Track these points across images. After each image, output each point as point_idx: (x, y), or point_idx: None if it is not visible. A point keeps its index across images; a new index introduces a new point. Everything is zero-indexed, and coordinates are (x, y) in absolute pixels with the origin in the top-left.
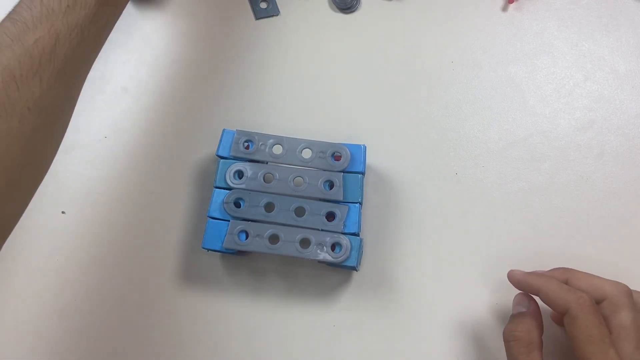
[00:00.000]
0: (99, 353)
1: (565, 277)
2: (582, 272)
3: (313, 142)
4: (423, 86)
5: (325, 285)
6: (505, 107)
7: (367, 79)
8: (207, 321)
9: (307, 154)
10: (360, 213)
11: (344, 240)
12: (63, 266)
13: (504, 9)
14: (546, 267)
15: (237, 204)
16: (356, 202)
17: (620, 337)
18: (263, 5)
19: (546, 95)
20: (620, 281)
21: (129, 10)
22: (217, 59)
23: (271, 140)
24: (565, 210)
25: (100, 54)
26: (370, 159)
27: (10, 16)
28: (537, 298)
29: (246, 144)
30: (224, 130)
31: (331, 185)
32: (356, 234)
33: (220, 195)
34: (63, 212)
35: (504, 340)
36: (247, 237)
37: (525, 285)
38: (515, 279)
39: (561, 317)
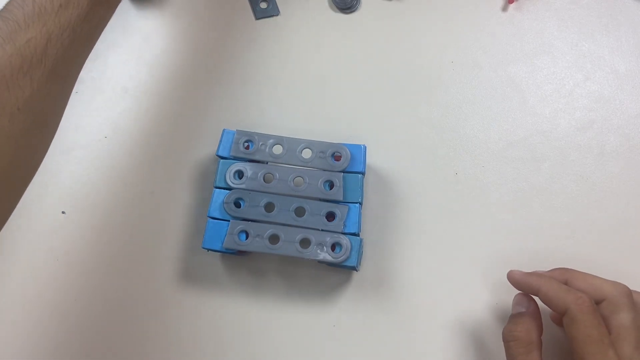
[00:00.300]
0: (99, 353)
1: (564, 277)
2: (581, 272)
3: (313, 142)
4: (423, 86)
5: (325, 285)
6: (505, 107)
7: (367, 79)
8: (207, 321)
9: (307, 154)
10: (360, 213)
11: (344, 240)
12: (63, 266)
13: (504, 9)
14: (546, 267)
15: (237, 204)
16: (356, 202)
17: (620, 338)
18: (263, 5)
19: (546, 95)
20: (620, 281)
21: (129, 10)
22: (217, 58)
23: (271, 140)
24: (565, 210)
25: (100, 54)
26: (370, 159)
27: (1, 14)
28: (536, 298)
29: (246, 144)
30: (224, 130)
31: (331, 185)
32: (356, 234)
33: (220, 195)
34: (63, 212)
35: (503, 340)
36: (247, 237)
37: (525, 285)
38: (514, 279)
39: (560, 317)
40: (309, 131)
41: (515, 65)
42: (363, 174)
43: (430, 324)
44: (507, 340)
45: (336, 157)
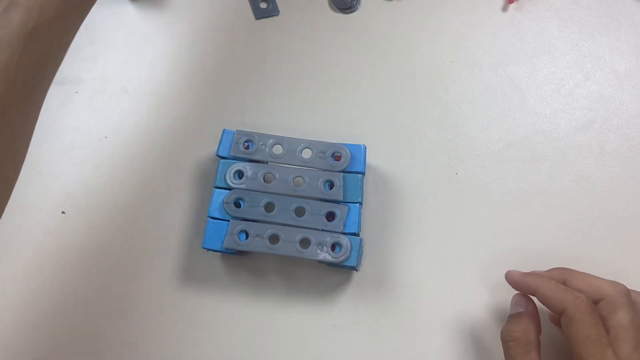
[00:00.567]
0: (99, 353)
1: (563, 277)
2: (579, 272)
3: (313, 142)
4: (423, 86)
5: (325, 285)
6: (505, 107)
7: (367, 79)
8: (207, 321)
9: (307, 154)
10: (360, 213)
11: (344, 240)
12: (63, 266)
13: (504, 9)
14: (546, 267)
15: (237, 204)
16: (356, 202)
17: (618, 337)
18: (263, 5)
19: (546, 95)
20: (619, 281)
21: (129, 10)
22: (217, 58)
23: (271, 140)
24: (565, 210)
25: (100, 53)
26: (370, 159)
27: None
28: (535, 298)
29: (246, 144)
30: (224, 130)
31: (331, 185)
32: (356, 234)
33: (220, 195)
34: (63, 212)
35: (501, 341)
36: (247, 237)
37: (523, 285)
38: (512, 279)
39: (559, 317)
40: (309, 131)
41: (515, 65)
42: (363, 174)
43: (430, 324)
44: (506, 340)
45: (336, 157)
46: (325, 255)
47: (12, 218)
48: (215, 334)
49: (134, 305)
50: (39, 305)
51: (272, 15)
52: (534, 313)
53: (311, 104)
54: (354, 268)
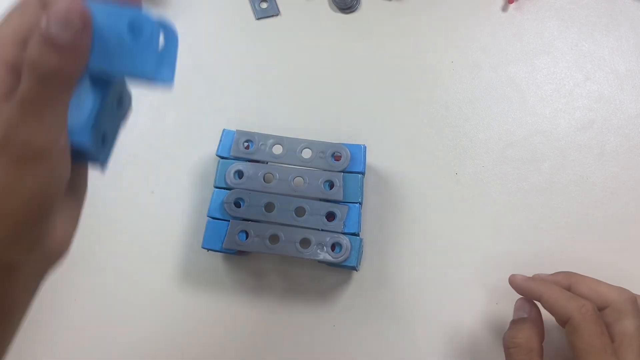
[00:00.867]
0: (98, 353)
1: (568, 282)
2: (585, 277)
3: (313, 142)
4: (423, 86)
5: (325, 285)
6: (505, 107)
7: (367, 79)
8: (207, 321)
9: (307, 154)
10: (360, 213)
11: (344, 240)
12: (63, 266)
13: (504, 9)
14: (546, 267)
15: (237, 204)
16: (356, 202)
17: (623, 345)
18: (263, 5)
19: (546, 95)
20: (620, 282)
21: None
22: (217, 58)
23: (271, 140)
24: (565, 210)
25: None
26: (370, 159)
27: None
28: (539, 303)
29: (246, 144)
30: (224, 130)
31: (331, 185)
32: (356, 234)
33: (220, 195)
34: None
35: (503, 347)
36: (247, 237)
37: (527, 290)
38: (516, 284)
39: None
40: (309, 131)
41: (515, 65)
42: (363, 174)
43: (429, 324)
44: (508, 347)
45: (336, 157)
46: (325, 255)
47: None
48: (215, 334)
49: (134, 304)
50: (38, 305)
51: (272, 15)
52: (538, 319)
53: (311, 104)
54: (354, 268)
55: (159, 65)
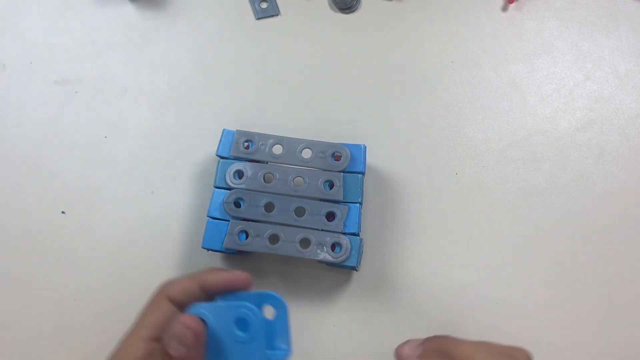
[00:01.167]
0: (98, 353)
1: (443, 348)
2: (463, 342)
3: (313, 142)
4: (423, 86)
5: (325, 285)
6: (505, 107)
7: (367, 79)
8: None
9: (307, 154)
10: (360, 213)
11: (344, 240)
12: (63, 266)
13: (504, 9)
14: (545, 267)
15: (237, 204)
16: (356, 202)
17: None
18: (263, 5)
19: (546, 95)
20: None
21: (129, 10)
22: (218, 58)
23: (271, 140)
24: (565, 210)
25: (100, 53)
26: (370, 159)
27: None
28: None
29: (246, 144)
30: (224, 130)
31: (331, 185)
32: (356, 234)
33: (220, 195)
34: (63, 212)
35: None
36: (247, 237)
37: None
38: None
39: None
40: (309, 131)
41: (515, 65)
42: (363, 174)
43: (429, 324)
44: None
45: (336, 157)
46: (325, 255)
47: (12, 218)
48: None
49: (134, 304)
50: (39, 305)
51: (272, 15)
52: None
53: (311, 104)
54: (354, 268)
55: (271, 346)
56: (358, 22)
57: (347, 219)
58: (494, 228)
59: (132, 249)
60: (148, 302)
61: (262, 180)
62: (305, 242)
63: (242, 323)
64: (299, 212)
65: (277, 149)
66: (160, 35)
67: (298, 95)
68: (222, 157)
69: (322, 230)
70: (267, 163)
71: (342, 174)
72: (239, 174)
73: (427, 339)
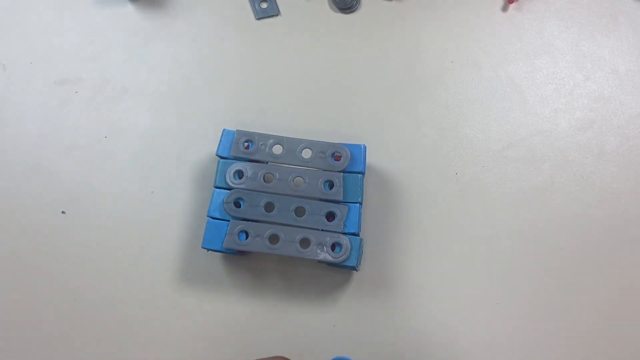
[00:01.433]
0: (98, 353)
1: None
2: None
3: (313, 142)
4: (423, 86)
5: (325, 285)
6: (505, 107)
7: (367, 79)
8: (207, 321)
9: (307, 154)
10: (360, 213)
11: (344, 240)
12: (63, 266)
13: (504, 9)
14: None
15: (237, 204)
16: (356, 202)
17: None
18: (263, 5)
19: (546, 95)
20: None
21: (129, 10)
22: (218, 58)
23: (271, 140)
24: (565, 210)
25: (100, 53)
26: (370, 159)
27: None
28: None
29: (246, 144)
30: (224, 130)
31: (331, 185)
32: (356, 234)
33: (220, 195)
34: (63, 212)
35: None
36: (247, 237)
37: None
38: None
39: None
40: (309, 131)
41: (515, 65)
42: (363, 174)
43: (429, 324)
44: None
45: (336, 157)
46: (325, 255)
47: (12, 218)
48: (215, 334)
49: (134, 305)
50: (39, 304)
51: (272, 15)
52: None
53: (311, 104)
54: (354, 268)
55: None
56: (358, 22)
57: (347, 219)
58: (494, 228)
59: (132, 249)
60: None
61: (262, 180)
62: (305, 242)
63: None
64: (299, 212)
65: (277, 149)
66: (160, 35)
67: (298, 95)
68: (222, 157)
69: (322, 230)
70: (267, 163)
71: (342, 174)
72: (239, 174)
73: None
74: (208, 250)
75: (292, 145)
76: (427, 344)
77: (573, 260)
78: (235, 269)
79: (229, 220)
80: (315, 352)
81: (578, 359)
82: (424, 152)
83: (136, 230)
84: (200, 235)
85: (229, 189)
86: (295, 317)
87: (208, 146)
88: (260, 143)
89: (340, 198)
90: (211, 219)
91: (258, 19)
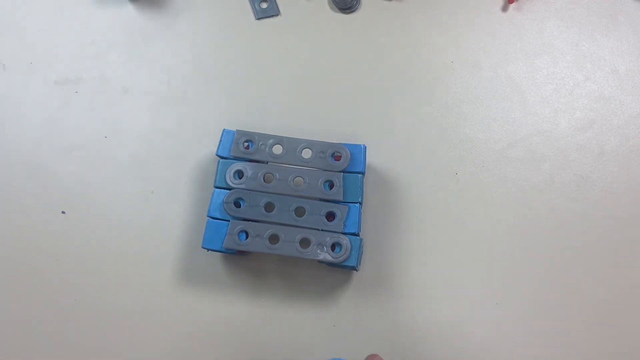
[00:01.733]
0: (98, 352)
1: None
2: None
3: (313, 142)
4: (423, 86)
5: (325, 285)
6: (505, 107)
7: (367, 79)
8: (207, 321)
9: (307, 154)
10: (360, 213)
11: (344, 240)
12: (63, 266)
13: (504, 9)
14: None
15: (237, 204)
16: (356, 202)
17: None
18: (263, 5)
19: (546, 95)
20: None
21: (129, 10)
22: (218, 58)
23: (271, 140)
24: (565, 210)
25: (100, 53)
26: (370, 159)
27: None
28: None
29: (246, 144)
30: (224, 130)
31: (331, 185)
32: (356, 234)
33: (220, 195)
34: (63, 212)
35: None
36: (247, 237)
37: None
38: None
39: None
40: (309, 131)
41: (515, 65)
42: (363, 174)
43: (429, 324)
44: None
45: (336, 157)
46: (325, 255)
47: (12, 218)
48: (215, 334)
49: (134, 304)
50: (39, 304)
51: (272, 15)
52: None
53: (311, 104)
54: (354, 268)
55: None
56: (358, 22)
57: (347, 219)
58: (494, 228)
59: (132, 249)
60: None
61: (262, 180)
62: (305, 242)
63: None
64: (299, 212)
65: (277, 149)
66: (160, 35)
67: (298, 95)
68: (222, 157)
69: (322, 230)
70: (267, 163)
71: (342, 174)
72: (239, 174)
73: None
74: (208, 250)
75: (292, 145)
76: (427, 344)
77: (573, 260)
78: (235, 269)
79: (229, 220)
80: (316, 352)
81: (578, 358)
82: (424, 152)
83: (136, 230)
84: (200, 235)
85: (229, 189)
86: (295, 317)
87: (208, 146)
88: (260, 143)
89: (340, 198)
90: (211, 219)
91: (258, 19)
